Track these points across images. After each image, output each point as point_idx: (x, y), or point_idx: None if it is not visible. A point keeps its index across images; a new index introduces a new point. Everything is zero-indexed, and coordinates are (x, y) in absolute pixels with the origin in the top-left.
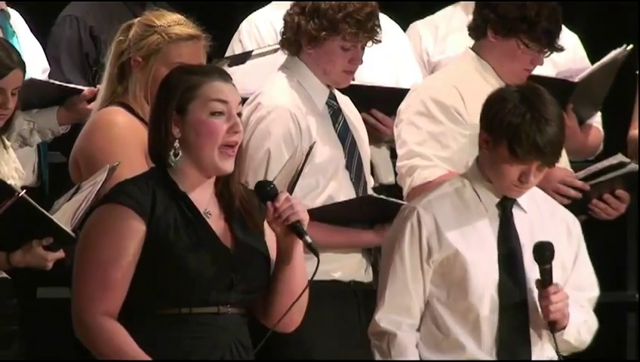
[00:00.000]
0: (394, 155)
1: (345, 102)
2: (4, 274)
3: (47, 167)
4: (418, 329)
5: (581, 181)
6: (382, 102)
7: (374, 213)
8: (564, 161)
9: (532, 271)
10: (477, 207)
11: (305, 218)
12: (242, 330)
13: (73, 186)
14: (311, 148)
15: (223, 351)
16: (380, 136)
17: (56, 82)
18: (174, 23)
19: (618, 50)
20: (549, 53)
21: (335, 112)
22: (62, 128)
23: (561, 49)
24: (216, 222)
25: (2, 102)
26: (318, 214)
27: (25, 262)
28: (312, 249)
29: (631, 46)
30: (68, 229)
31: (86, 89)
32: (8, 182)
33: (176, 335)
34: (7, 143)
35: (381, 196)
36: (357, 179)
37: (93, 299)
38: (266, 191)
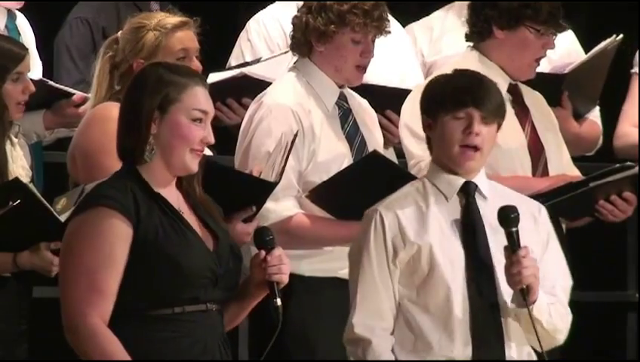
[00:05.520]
0: (400, 156)
1: (359, 104)
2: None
3: (42, 168)
4: (392, 332)
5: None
6: (392, 104)
7: (378, 186)
8: (566, 157)
9: (498, 256)
10: (438, 199)
11: (285, 281)
12: (223, 327)
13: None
14: (295, 135)
15: (213, 350)
16: (389, 139)
17: (50, 82)
18: (163, 17)
19: (608, 41)
20: (555, 35)
21: (345, 113)
22: (48, 132)
23: (566, 27)
24: (190, 220)
25: (27, 86)
26: (322, 190)
27: (31, 264)
28: (276, 313)
29: (621, 36)
30: None
31: (76, 95)
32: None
33: (170, 336)
34: (15, 140)
35: (386, 158)
36: None
37: (86, 304)
38: (264, 239)
